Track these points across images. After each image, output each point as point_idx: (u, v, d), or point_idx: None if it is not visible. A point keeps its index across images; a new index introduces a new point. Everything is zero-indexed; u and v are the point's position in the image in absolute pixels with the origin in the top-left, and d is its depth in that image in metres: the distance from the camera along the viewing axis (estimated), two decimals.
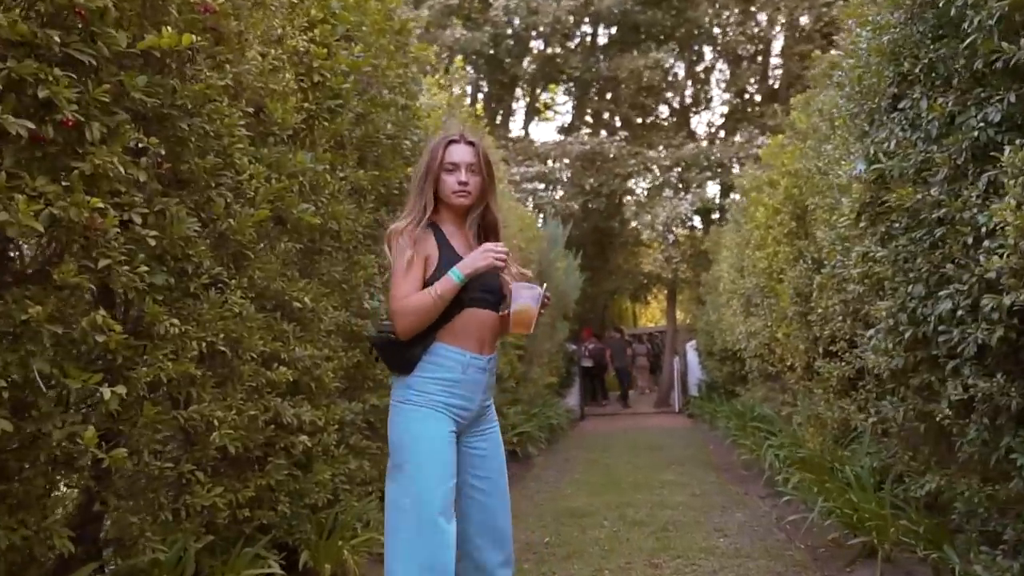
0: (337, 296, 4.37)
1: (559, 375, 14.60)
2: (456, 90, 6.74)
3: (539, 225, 11.89)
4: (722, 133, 19.61)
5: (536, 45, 20.30)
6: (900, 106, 3.66)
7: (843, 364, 5.26)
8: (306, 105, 3.93)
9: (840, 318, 5.17)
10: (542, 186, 17.74)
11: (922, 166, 3.36)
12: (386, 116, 4.74)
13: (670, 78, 18.87)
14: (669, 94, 19.98)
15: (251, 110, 3.35)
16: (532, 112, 23.88)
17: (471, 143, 2.73)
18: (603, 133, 18.48)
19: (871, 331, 4.23)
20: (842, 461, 5.77)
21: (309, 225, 3.73)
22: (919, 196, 3.28)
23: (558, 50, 19.80)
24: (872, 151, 3.87)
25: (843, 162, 4.74)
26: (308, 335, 3.91)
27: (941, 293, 3.34)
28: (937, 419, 3.73)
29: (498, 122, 21.76)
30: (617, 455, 10.24)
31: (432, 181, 2.68)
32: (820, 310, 5.38)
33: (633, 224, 18.18)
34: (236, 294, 3.15)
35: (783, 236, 6.68)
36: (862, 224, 4.26)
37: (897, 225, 3.90)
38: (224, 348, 3.07)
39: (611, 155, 17.06)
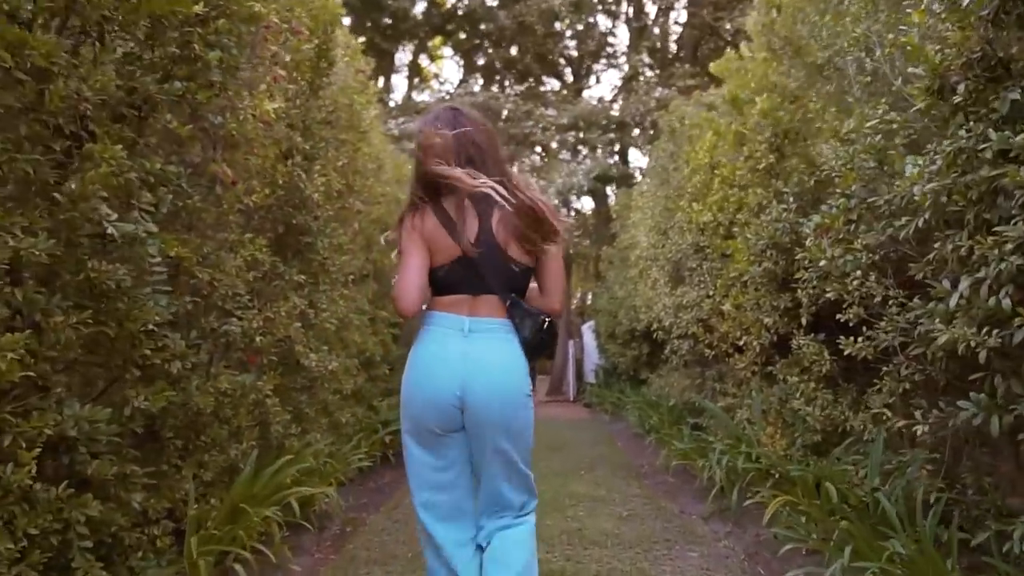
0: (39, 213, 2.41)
1: None
2: None
3: None
4: (617, 103, 18.03)
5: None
6: None
7: (857, 343, 3.61)
8: None
9: (857, 273, 3.52)
10: None
11: None
12: None
13: (579, 24, 17.05)
14: (568, 43, 18.24)
15: None
16: (415, 74, 21.82)
17: None
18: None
19: (964, 282, 2.55)
20: (832, 479, 4.15)
21: None
22: None
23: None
24: None
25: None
26: None
27: None
28: None
29: (380, 85, 19.62)
30: None
31: None
32: (823, 262, 3.71)
33: None
34: None
35: (754, 174, 5.02)
36: (956, 100, 2.57)
37: None
38: None
39: (503, 114, 15.25)
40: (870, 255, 3.41)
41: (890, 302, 3.35)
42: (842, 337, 3.69)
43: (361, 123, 6.02)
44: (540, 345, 2.49)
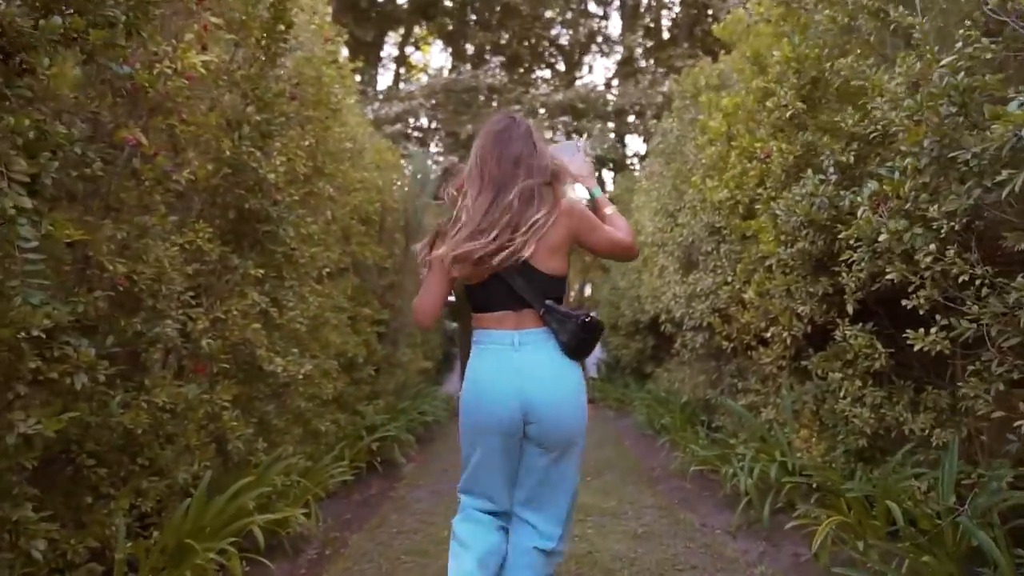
0: None
1: (435, 359, 12.05)
2: None
3: (404, 164, 9.15)
4: (614, 89, 17.24)
5: None
6: None
7: (929, 334, 2.94)
8: None
9: (931, 248, 2.84)
10: (412, 131, 14.99)
11: None
12: None
13: (569, 12, 16.32)
14: (561, 30, 17.55)
15: None
16: (401, 63, 21.09)
17: None
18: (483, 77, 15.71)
19: None
20: (890, 494, 3.48)
21: None
22: None
23: None
24: None
25: None
26: None
27: None
28: None
29: (365, 80, 18.93)
30: None
31: None
32: (882, 237, 3.03)
33: None
34: None
35: (779, 133, 4.35)
36: None
37: None
38: None
39: (485, 91, 14.51)
40: (950, 224, 2.73)
41: (977, 283, 2.68)
42: (909, 330, 3.02)
43: (331, 99, 5.32)
44: (581, 345, 2.53)
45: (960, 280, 2.74)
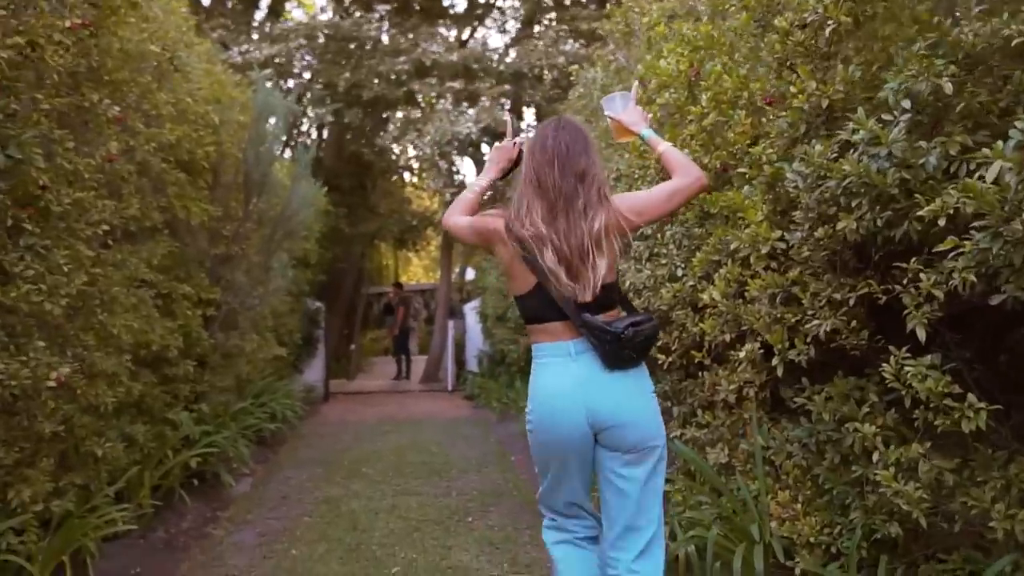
0: None
1: (292, 343, 10.25)
2: None
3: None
4: (509, 56, 15.64)
5: None
6: None
7: None
8: None
9: None
10: (284, 81, 13.00)
11: None
12: None
13: None
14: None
15: None
16: (278, 16, 18.93)
17: None
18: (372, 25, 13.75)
19: None
20: None
21: None
22: None
23: None
24: None
25: None
26: None
27: None
28: None
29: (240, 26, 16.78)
30: (374, 486, 6.18)
31: None
32: None
33: (396, 148, 13.86)
34: None
35: (788, 63, 2.92)
36: None
37: None
38: None
39: (369, 40, 12.62)
40: None
41: None
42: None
43: None
44: (622, 359, 2.41)
45: None
